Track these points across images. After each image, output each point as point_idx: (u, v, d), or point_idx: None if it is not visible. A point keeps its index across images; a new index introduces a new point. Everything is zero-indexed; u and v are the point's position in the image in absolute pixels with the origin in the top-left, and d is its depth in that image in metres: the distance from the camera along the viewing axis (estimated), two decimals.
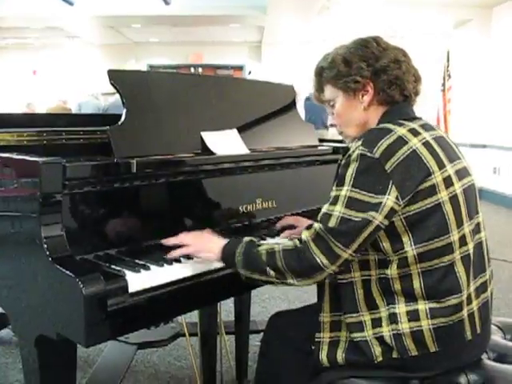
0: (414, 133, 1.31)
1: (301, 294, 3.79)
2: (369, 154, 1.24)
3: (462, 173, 1.35)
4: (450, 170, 1.30)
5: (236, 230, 1.73)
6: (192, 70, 14.17)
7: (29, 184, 1.26)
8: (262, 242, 1.44)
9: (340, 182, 1.28)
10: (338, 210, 1.25)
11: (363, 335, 1.31)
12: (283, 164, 1.96)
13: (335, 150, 2.24)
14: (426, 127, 1.36)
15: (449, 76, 7.98)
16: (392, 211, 1.22)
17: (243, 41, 13.36)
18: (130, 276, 1.26)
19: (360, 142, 1.27)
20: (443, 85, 7.99)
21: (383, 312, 1.30)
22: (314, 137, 2.32)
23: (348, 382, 1.33)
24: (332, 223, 1.25)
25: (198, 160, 1.65)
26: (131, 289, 1.24)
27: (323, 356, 1.36)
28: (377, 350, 1.29)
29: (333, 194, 1.29)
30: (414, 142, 1.28)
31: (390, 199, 1.21)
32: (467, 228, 1.31)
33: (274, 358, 1.56)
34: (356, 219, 1.22)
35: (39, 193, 1.22)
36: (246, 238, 1.41)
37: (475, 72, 8.41)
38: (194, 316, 2.76)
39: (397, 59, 1.39)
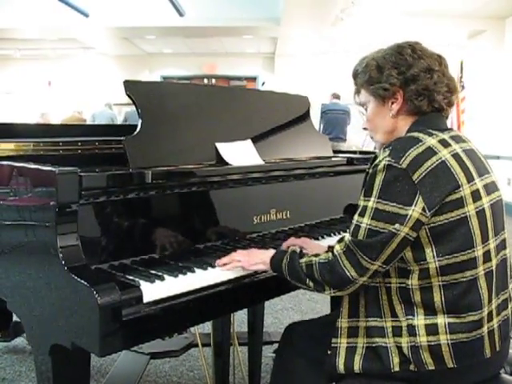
0: (444, 144, 1.29)
1: (313, 305, 3.77)
2: (396, 165, 1.23)
3: (491, 187, 1.33)
4: (479, 183, 1.28)
5: (250, 241, 1.72)
6: (205, 81, 14.26)
7: (45, 193, 1.27)
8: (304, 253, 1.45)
9: (367, 193, 1.28)
10: (366, 221, 1.25)
11: (384, 341, 1.30)
12: (297, 175, 1.96)
13: (349, 161, 2.23)
14: (457, 139, 1.34)
15: (462, 87, 7.94)
16: (419, 222, 1.21)
17: (256, 52, 13.44)
18: (144, 286, 1.27)
19: (388, 152, 1.26)
20: (456, 96, 7.96)
21: (403, 321, 1.28)
22: (328, 148, 2.32)
23: None
24: (360, 235, 1.26)
25: (212, 171, 1.66)
26: (146, 299, 1.24)
27: (340, 363, 1.35)
28: (395, 360, 1.28)
29: (361, 203, 1.29)
30: (444, 154, 1.26)
31: (416, 210, 1.20)
32: (492, 244, 1.29)
33: (289, 370, 1.55)
34: (382, 231, 1.22)
35: (55, 202, 1.22)
36: (291, 249, 1.46)
37: (489, 83, 8.38)
38: (206, 327, 2.76)
39: (429, 68, 1.36)
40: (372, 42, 10.25)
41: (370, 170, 1.29)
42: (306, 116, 2.28)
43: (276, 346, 2.72)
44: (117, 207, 1.40)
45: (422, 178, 1.21)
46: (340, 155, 2.38)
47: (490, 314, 1.28)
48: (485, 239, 1.27)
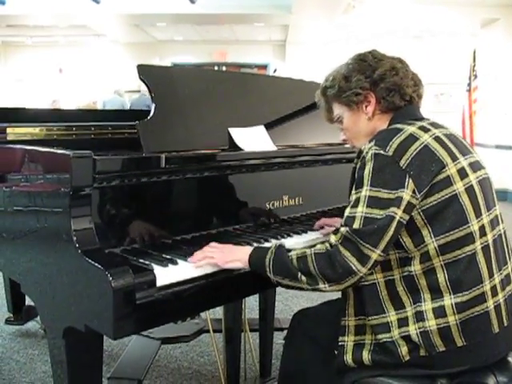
0: (424, 129, 1.34)
1: (323, 293, 3.77)
2: (382, 152, 1.26)
3: (476, 165, 1.35)
4: (464, 162, 1.31)
5: (263, 226, 1.72)
6: (216, 68, 14.22)
7: (59, 177, 1.27)
8: (290, 248, 1.40)
9: (358, 185, 1.29)
10: (360, 210, 1.25)
11: (389, 336, 1.29)
12: (310, 161, 1.95)
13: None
14: (435, 125, 1.39)
15: (475, 76, 7.85)
16: (410, 205, 1.23)
17: (267, 39, 13.35)
18: (157, 270, 1.27)
19: (372, 143, 1.29)
20: (469, 85, 7.86)
21: (409, 311, 1.29)
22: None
23: (375, 381, 1.32)
24: (356, 225, 1.25)
25: (226, 156, 1.65)
26: (159, 283, 1.24)
27: (348, 358, 1.35)
28: (403, 350, 1.27)
29: (353, 197, 1.29)
30: (425, 138, 1.31)
31: (407, 193, 1.23)
32: (486, 219, 1.31)
33: (298, 356, 1.56)
34: (379, 217, 1.23)
35: (70, 186, 1.23)
36: (275, 243, 1.40)
37: (502, 72, 8.27)
38: (217, 312, 2.77)
39: (393, 67, 1.43)
40: (383, 30, 10.15)
41: (359, 164, 1.31)
42: None
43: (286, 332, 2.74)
44: (130, 191, 1.40)
45: (408, 162, 1.25)
46: None
47: (493, 288, 1.29)
48: (478, 214, 1.29)
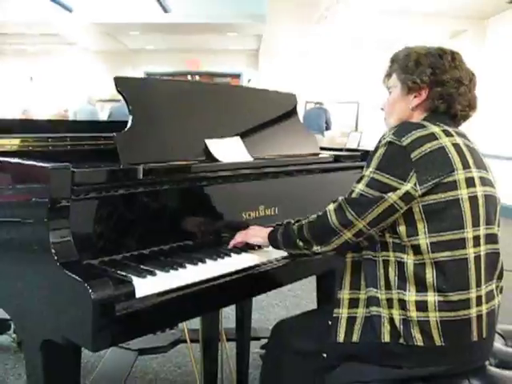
0: (447, 134, 1.38)
1: (298, 301, 3.80)
2: (397, 142, 1.33)
3: (486, 181, 1.40)
4: (475, 173, 1.36)
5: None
6: (189, 77, 14.20)
7: (37, 189, 1.27)
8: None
9: (367, 164, 1.37)
10: (360, 187, 1.35)
11: (379, 310, 1.36)
12: (286, 172, 1.98)
13: (336, 159, 2.26)
14: (461, 135, 1.43)
15: None
16: (408, 195, 1.29)
17: (241, 49, 13.43)
18: (136, 281, 1.27)
19: (393, 131, 1.36)
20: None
21: (394, 294, 1.34)
22: (316, 145, 2.34)
23: None
24: (353, 196, 1.36)
25: (203, 167, 1.67)
26: (138, 294, 1.24)
27: (341, 332, 1.42)
28: (386, 329, 1.34)
29: (362, 173, 1.39)
30: (445, 141, 1.35)
31: (408, 185, 1.28)
32: (483, 231, 1.35)
33: (279, 365, 1.58)
34: (372, 197, 1.31)
35: (48, 198, 1.23)
36: (286, 221, 1.56)
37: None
38: (193, 323, 2.76)
39: (459, 80, 1.45)
40: (355, 42, 10.30)
41: (375, 146, 1.39)
42: (293, 113, 2.30)
43: (263, 341, 2.75)
44: (108, 203, 1.40)
45: (419, 157, 1.30)
46: (326, 152, 2.40)
47: (478, 298, 1.33)
48: (475, 224, 1.33)
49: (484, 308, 1.35)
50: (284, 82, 11.08)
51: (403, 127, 1.37)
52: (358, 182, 1.37)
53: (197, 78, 14.21)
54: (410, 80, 1.47)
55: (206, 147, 1.77)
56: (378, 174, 1.33)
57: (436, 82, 1.44)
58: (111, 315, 1.18)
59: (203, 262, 1.49)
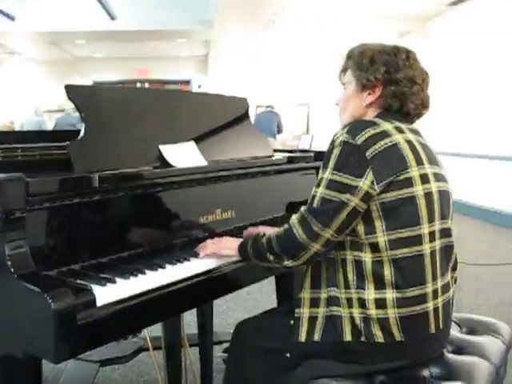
0: (399, 130, 1.41)
1: (258, 304, 3.82)
2: (351, 141, 1.34)
3: (440, 177, 1.44)
4: (428, 169, 1.39)
5: (198, 241, 1.74)
6: (138, 85, 14.07)
7: None
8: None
9: (324, 166, 1.38)
10: (320, 191, 1.36)
11: (339, 310, 1.39)
12: (240, 174, 1.99)
13: (290, 160, 2.29)
14: (413, 131, 1.46)
15: None
16: (367, 195, 1.31)
17: (189, 55, 13.42)
18: (96, 290, 1.26)
19: (345, 130, 1.37)
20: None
21: (354, 293, 1.37)
22: (269, 147, 2.37)
23: (318, 382, 1.38)
24: (314, 204, 1.36)
25: (158, 173, 1.67)
26: (99, 302, 1.24)
27: (303, 331, 1.43)
28: (347, 329, 1.36)
29: (319, 176, 1.39)
30: (397, 137, 1.37)
31: (365, 183, 1.31)
32: (438, 226, 1.39)
33: (242, 366, 1.58)
34: (334, 199, 1.32)
35: (2, 210, 1.21)
36: (256, 232, 1.56)
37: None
38: (155, 330, 2.74)
39: (413, 79, 1.47)
40: (302, 47, 10.43)
41: (328, 146, 1.40)
42: (245, 117, 2.32)
43: (225, 345, 2.76)
44: (64, 212, 1.38)
45: (374, 155, 1.32)
46: (279, 154, 2.43)
47: (435, 292, 1.37)
48: (431, 220, 1.37)
49: (440, 300, 1.39)
50: (234, 86, 11.16)
51: (356, 126, 1.39)
52: (318, 185, 1.38)
53: (146, 85, 14.10)
54: (364, 78, 1.49)
55: (160, 153, 1.77)
56: (336, 175, 1.34)
57: (390, 80, 1.46)
58: (73, 325, 1.17)
59: (162, 267, 1.49)
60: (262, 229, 1.84)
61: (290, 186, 2.28)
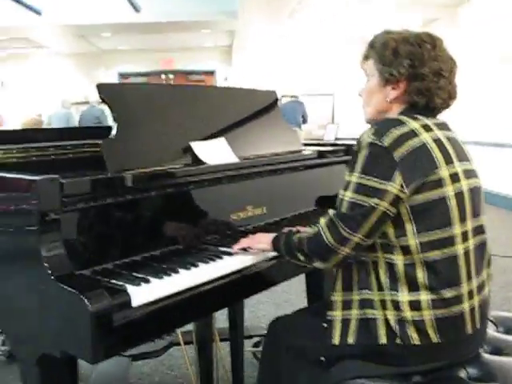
0: (427, 128, 1.36)
1: (288, 297, 3.81)
2: (378, 143, 1.30)
3: (470, 173, 1.39)
4: (458, 167, 1.35)
5: (230, 238, 1.73)
6: (163, 76, 14.12)
7: (27, 203, 1.25)
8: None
9: (351, 168, 1.34)
10: (349, 195, 1.32)
11: (374, 312, 1.36)
12: (272, 170, 1.98)
13: (320, 154, 2.26)
14: (441, 126, 1.41)
15: None
16: (397, 198, 1.27)
17: (213, 46, 13.39)
18: (131, 290, 1.26)
19: (372, 131, 1.33)
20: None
21: (387, 295, 1.34)
22: (298, 141, 2.35)
23: (353, 382, 1.36)
24: (343, 208, 1.33)
25: (190, 171, 1.65)
26: (134, 303, 1.24)
27: (336, 335, 1.41)
28: (382, 332, 1.34)
29: (346, 178, 1.36)
30: (425, 136, 1.33)
31: (394, 186, 1.27)
32: (470, 225, 1.35)
33: (276, 365, 1.57)
34: (363, 204, 1.29)
35: (38, 212, 1.21)
36: (289, 229, 1.55)
37: None
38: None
39: (439, 72, 1.40)
40: (328, 34, 10.32)
41: (355, 147, 1.36)
42: (275, 110, 2.30)
43: (255, 340, 2.77)
44: (98, 212, 1.38)
45: (402, 156, 1.28)
46: (309, 148, 2.41)
47: (470, 292, 1.34)
48: (463, 220, 1.33)
49: (476, 300, 1.36)
50: (258, 76, 11.11)
51: (382, 126, 1.34)
52: (346, 189, 1.34)
53: (171, 76, 14.13)
54: (388, 72, 1.41)
55: (192, 150, 1.76)
56: (364, 178, 1.30)
57: (414, 75, 1.39)
58: (109, 326, 1.17)
59: (196, 265, 1.49)
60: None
61: (321, 180, 2.26)
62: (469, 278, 1.34)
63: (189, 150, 1.76)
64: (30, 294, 1.29)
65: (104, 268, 1.38)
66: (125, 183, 1.42)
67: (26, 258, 1.27)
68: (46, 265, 1.20)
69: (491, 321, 1.61)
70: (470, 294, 1.34)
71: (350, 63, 10.30)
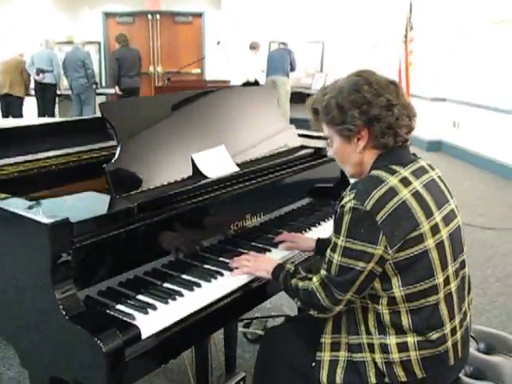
0: (405, 183, 1.38)
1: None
2: (360, 207, 1.33)
3: (450, 217, 1.44)
4: (438, 217, 1.39)
5: (229, 250, 1.79)
6: (149, 16, 13.67)
7: (38, 245, 1.29)
8: (297, 271, 1.56)
9: (337, 231, 1.39)
10: (337, 258, 1.38)
11: (362, 355, 1.44)
12: (270, 178, 1.99)
13: (316, 152, 2.29)
14: (418, 173, 1.43)
15: (411, 27, 7.94)
16: (382, 259, 1.34)
17: None
18: (139, 320, 1.34)
19: (353, 195, 1.35)
20: (405, 36, 7.96)
21: (375, 339, 1.42)
22: (295, 136, 2.35)
23: None
24: (333, 271, 1.39)
25: (193, 190, 1.68)
26: (144, 335, 1.31)
27: (324, 375, 1.48)
28: (371, 373, 1.42)
29: (332, 239, 1.41)
30: (404, 193, 1.35)
31: (379, 249, 1.32)
32: (451, 269, 1.42)
33: (271, 373, 1.64)
34: (351, 267, 1.35)
35: (49, 255, 1.26)
36: (287, 267, 1.58)
37: (437, 24, 8.42)
38: None
39: (389, 104, 1.40)
40: None
41: (338, 209, 1.39)
42: (272, 107, 2.31)
43: (245, 322, 2.86)
44: (104, 243, 1.41)
45: (384, 218, 1.31)
46: (305, 139, 2.42)
47: (453, 329, 1.42)
48: (444, 267, 1.39)
49: (458, 335, 1.45)
50: (247, 21, 10.82)
51: (362, 188, 1.36)
52: (333, 250, 1.39)
53: (157, 17, 13.70)
54: (345, 129, 1.43)
55: (194, 163, 1.78)
56: (350, 242, 1.34)
57: (369, 120, 1.39)
58: (122, 361, 1.25)
59: (198, 286, 1.56)
60: (291, 237, 1.88)
61: (315, 175, 2.30)
62: (451, 318, 1.42)
63: (189, 162, 1.78)
64: (45, 330, 1.37)
65: (110, 288, 1.44)
66: (131, 214, 1.46)
67: (39, 297, 1.34)
68: (60, 307, 1.26)
69: (472, 336, 1.69)
70: (453, 331, 1.42)
71: (340, 11, 10.08)
